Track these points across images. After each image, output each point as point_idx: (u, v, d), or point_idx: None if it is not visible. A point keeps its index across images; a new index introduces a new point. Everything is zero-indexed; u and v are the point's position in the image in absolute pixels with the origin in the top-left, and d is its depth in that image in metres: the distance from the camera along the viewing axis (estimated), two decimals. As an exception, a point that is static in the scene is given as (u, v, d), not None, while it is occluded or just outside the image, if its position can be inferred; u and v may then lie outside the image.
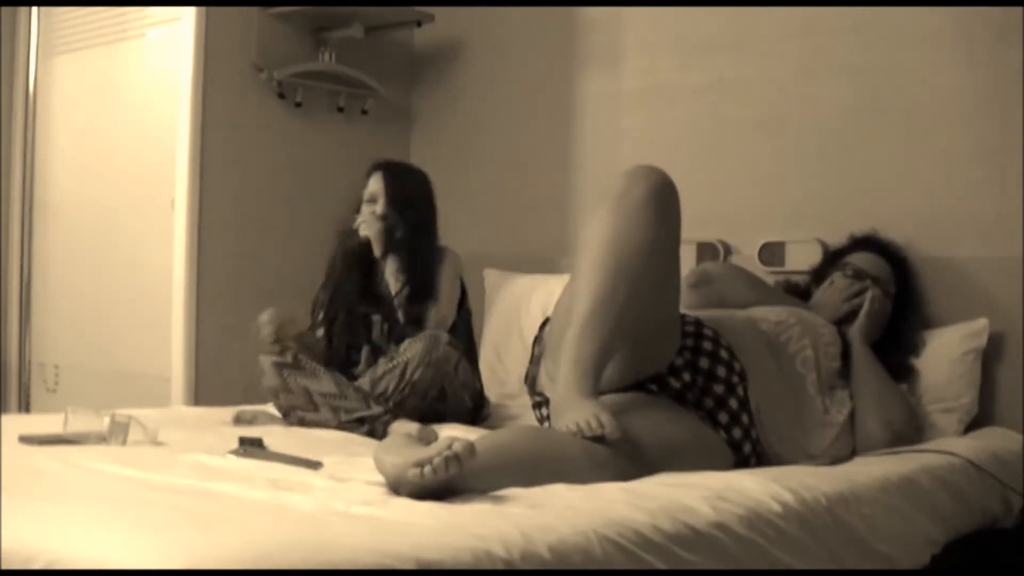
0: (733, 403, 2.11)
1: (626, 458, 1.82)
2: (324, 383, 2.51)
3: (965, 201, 2.81)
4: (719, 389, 2.11)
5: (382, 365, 2.57)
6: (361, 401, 2.48)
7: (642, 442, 1.88)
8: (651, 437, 1.92)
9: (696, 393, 2.10)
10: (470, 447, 1.53)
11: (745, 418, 2.12)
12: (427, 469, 1.49)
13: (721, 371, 2.12)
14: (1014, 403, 2.65)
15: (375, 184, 2.72)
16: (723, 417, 2.10)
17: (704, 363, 2.11)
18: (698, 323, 2.18)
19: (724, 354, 2.14)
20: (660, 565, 1.44)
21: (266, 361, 2.56)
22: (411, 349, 2.54)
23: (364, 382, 2.56)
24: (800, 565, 1.66)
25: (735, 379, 2.13)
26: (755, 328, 2.32)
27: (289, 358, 2.55)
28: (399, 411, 2.50)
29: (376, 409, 2.46)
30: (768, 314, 2.38)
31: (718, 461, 2.04)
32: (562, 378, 1.88)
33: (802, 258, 2.99)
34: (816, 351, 2.35)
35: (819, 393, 2.30)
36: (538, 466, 1.72)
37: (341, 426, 2.47)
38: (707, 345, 2.14)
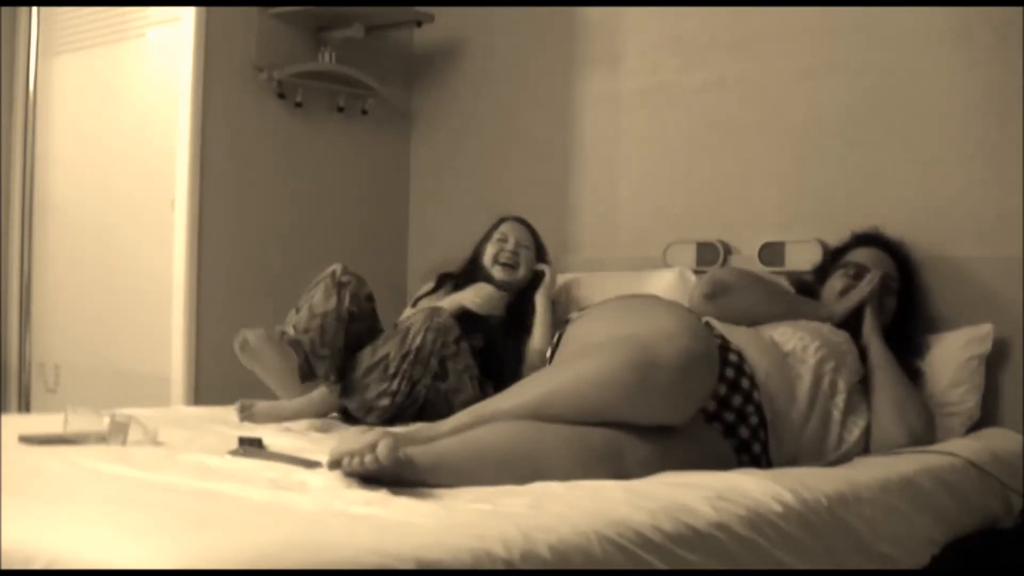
0: (744, 431, 2.07)
1: (618, 456, 1.82)
2: (324, 303, 2.62)
3: (965, 201, 2.81)
4: (730, 417, 2.07)
5: (386, 333, 2.66)
6: (316, 333, 2.59)
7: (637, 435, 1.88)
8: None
9: (704, 418, 2.05)
10: (389, 447, 1.57)
11: (756, 447, 2.09)
12: (356, 461, 1.57)
13: (737, 400, 2.07)
14: (1016, 406, 2.65)
15: (513, 230, 3.09)
16: (732, 442, 2.06)
17: (722, 390, 2.06)
18: (725, 347, 2.12)
19: (746, 383, 2.09)
20: (660, 565, 1.43)
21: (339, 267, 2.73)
22: (413, 318, 2.65)
23: (367, 349, 2.62)
24: (800, 565, 1.66)
25: (750, 408, 2.08)
26: (778, 354, 2.26)
27: (343, 276, 2.69)
28: (402, 383, 2.56)
29: (313, 346, 2.57)
30: (791, 338, 2.32)
31: (719, 454, 2.03)
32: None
33: (802, 258, 2.99)
34: (842, 374, 2.30)
35: (843, 415, 2.26)
36: (515, 461, 1.73)
37: (289, 338, 2.62)
38: (729, 372, 2.09)
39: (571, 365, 1.91)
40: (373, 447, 1.57)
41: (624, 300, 2.44)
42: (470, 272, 3.05)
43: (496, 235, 3.08)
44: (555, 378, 1.90)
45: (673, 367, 1.81)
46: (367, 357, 2.60)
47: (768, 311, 2.42)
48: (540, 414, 1.82)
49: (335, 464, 1.60)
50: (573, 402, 1.83)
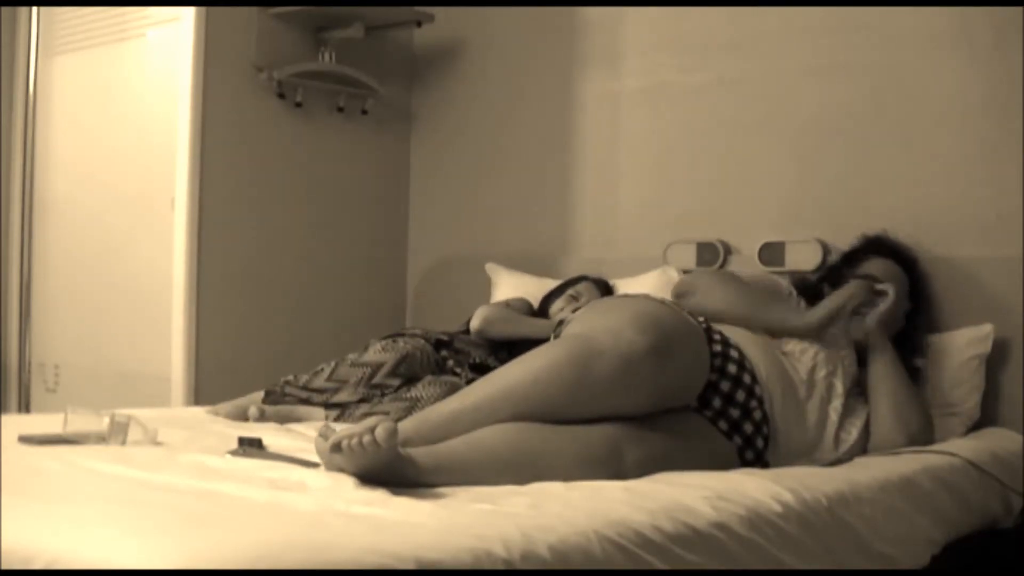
0: (748, 427, 2.07)
1: (618, 457, 1.83)
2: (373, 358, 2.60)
3: (965, 201, 2.81)
4: (735, 413, 2.06)
5: (389, 397, 2.53)
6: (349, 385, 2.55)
7: (645, 437, 1.88)
8: (656, 432, 1.92)
9: (711, 415, 2.06)
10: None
11: (760, 442, 2.09)
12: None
13: (740, 395, 2.07)
14: (1016, 406, 2.65)
15: (588, 291, 3.00)
16: (737, 440, 2.07)
17: (725, 386, 2.06)
18: (726, 343, 2.12)
19: (747, 379, 2.09)
20: (660, 565, 1.44)
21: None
22: (426, 390, 2.50)
23: (365, 406, 2.51)
24: (800, 565, 1.67)
25: (753, 403, 2.08)
26: (777, 354, 2.25)
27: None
28: None
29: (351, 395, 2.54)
30: (790, 339, 2.31)
31: (721, 455, 2.03)
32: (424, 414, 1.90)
33: (802, 258, 2.99)
34: (839, 377, 2.29)
35: (840, 418, 2.26)
36: (517, 463, 1.74)
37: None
38: (731, 368, 2.08)
39: (516, 365, 1.94)
40: (372, 429, 1.57)
41: (601, 301, 2.47)
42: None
43: (570, 292, 2.99)
44: (500, 379, 1.92)
45: (612, 359, 1.85)
46: (361, 408, 2.51)
47: (733, 314, 2.33)
48: (481, 411, 1.84)
49: (335, 447, 1.60)
50: (517, 399, 1.85)
